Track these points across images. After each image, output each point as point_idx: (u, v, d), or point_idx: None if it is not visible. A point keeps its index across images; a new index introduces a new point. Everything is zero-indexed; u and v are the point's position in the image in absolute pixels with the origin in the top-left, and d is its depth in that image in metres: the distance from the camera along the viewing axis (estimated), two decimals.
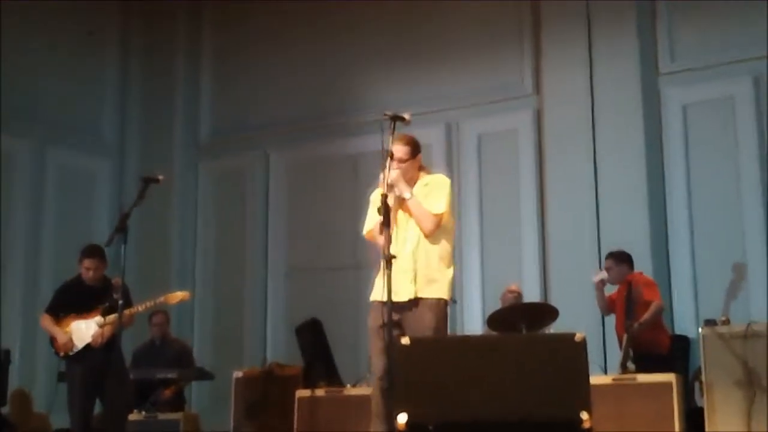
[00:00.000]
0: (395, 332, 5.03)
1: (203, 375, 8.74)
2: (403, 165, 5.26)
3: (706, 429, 5.93)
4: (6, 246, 9.82)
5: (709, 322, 6.30)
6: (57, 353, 6.87)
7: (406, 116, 5.09)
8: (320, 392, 7.26)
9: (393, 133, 5.07)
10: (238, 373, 7.95)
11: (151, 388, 8.30)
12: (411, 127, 5.20)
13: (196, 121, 11.28)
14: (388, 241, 4.81)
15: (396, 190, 5.18)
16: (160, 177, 6.07)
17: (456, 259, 9.31)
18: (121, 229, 5.85)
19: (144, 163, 10.54)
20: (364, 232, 5.39)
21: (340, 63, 10.40)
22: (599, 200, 8.76)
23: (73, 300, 6.91)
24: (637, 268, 7.55)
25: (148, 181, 6.00)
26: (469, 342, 5.12)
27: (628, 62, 8.89)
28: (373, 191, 5.37)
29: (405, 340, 4.55)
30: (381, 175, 5.09)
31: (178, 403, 8.51)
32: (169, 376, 8.36)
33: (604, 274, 7.44)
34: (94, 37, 10.92)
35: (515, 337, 6.10)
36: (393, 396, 4.80)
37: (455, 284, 8.86)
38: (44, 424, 8.52)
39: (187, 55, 11.34)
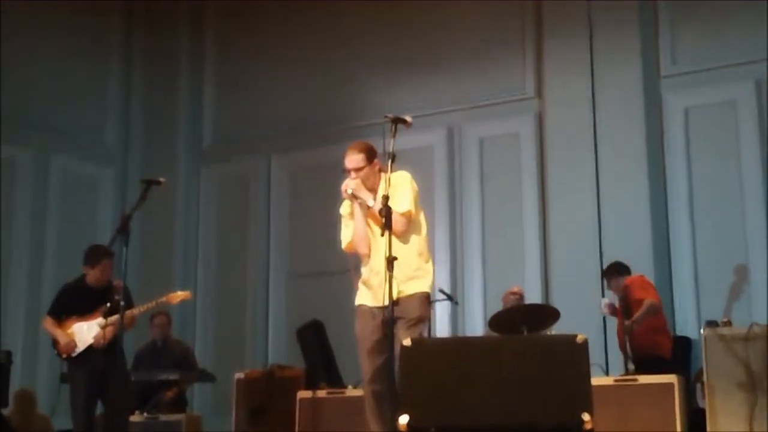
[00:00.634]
0: (380, 336, 5.09)
1: (205, 377, 8.74)
2: (361, 173, 5.28)
3: (708, 430, 5.93)
4: (10, 251, 9.84)
5: (711, 324, 6.31)
6: (59, 355, 6.87)
7: (408, 119, 5.12)
8: (322, 393, 7.26)
9: (395, 136, 5.09)
10: (239, 375, 7.96)
11: (152, 389, 8.30)
12: (413, 130, 5.22)
13: (199, 126, 11.29)
14: (389, 243, 4.82)
15: (358, 199, 5.24)
16: (162, 179, 6.09)
17: (457, 260, 9.41)
18: (123, 230, 5.86)
19: (147, 169, 10.54)
20: (344, 246, 5.43)
21: (342, 67, 10.42)
22: (601, 203, 8.77)
23: (74, 302, 6.92)
24: (639, 271, 7.56)
25: (149, 183, 6.01)
26: (470, 343, 5.12)
27: (630, 66, 8.91)
28: (342, 205, 5.43)
29: (406, 342, 4.55)
30: (342, 187, 5.22)
31: (179, 404, 8.51)
32: (171, 377, 8.36)
33: (606, 300, 7.40)
34: (97, 45, 10.94)
35: (517, 338, 6.09)
36: (386, 398, 4.86)
37: (457, 284, 8.94)
38: (47, 426, 8.52)
39: (189, 62, 11.36)
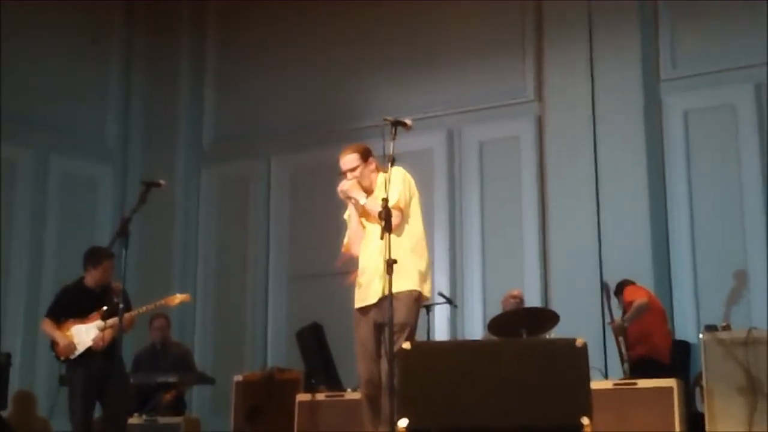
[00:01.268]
0: (373, 331, 5.15)
1: (204, 379, 8.73)
2: (356, 173, 5.32)
3: None
4: (9, 251, 9.84)
5: (710, 328, 6.31)
6: (58, 357, 6.86)
7: (408, 122, 5.13)
8: (321, 396, 7.26)
9: (394, 139, 5.09)
10: (238, 378, 7.96)
11: (151, 392, 8.30)
12: (412, 133, 5.22)
13: (199, 127, 11.29)
14: (388, 245, 4.82)
15: (353, 199, 5.29)
16: (162, 181, 6.08)
17: (457, 263, 9.40)
18: (122, 233, 5.85)
19: (147, 169, 10.54)
20: (343, 249, 5.49)
21: (343, 69, 10.42)
22: (600, 207, 8.77)
23: (73, 304, 6.91)
24: (638, 275, 7.58)
25: (149, 186, 6.01)
26: (469, 347, 5.12)
27: (630, 69, 8.91)
28: (345, 210, 5.49)
29: (406, 345, 4.55)
30: (338, 189, 5.28)
31: (178, 407, 8.50)
32: (170, 380, 8.35)
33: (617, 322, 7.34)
34: (97, 45, 10.93)
35: (516, 342, 6.09)
36: (379, 402, 4.87)
37: (457, 288, 8.92)
38: (46, 428, 8.51)
39: (190, 62, 11.36)
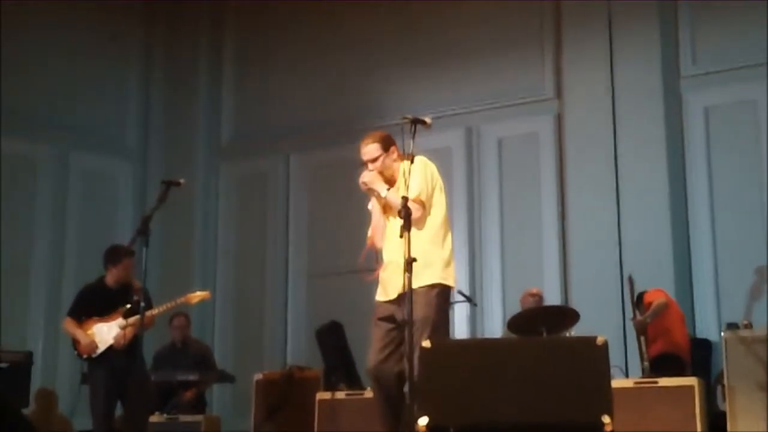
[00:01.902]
0: (390, 326, 5.12)
1: (224, 377, 8.76)
2: (378, 163, 5.23)
3: None
4: (30, 249, 9.90)
5: (731, 326, 6.28)
6: (79, 355, 6.91)
7: (427, 120, 5.08)
8: (340, 395, 7.26)
9: (414, 137, 5.06)
10: (258, 376, 7.97)
11: (172, 390, 8.33)
12: (432, 131, 5.19)
13: (218, 124, 11.32)
14: (408, 244, 4.77)
15: (374, 191, 5.21)
16: (181, 180, 6.10)
17: (476, 261, 9.38)
18: (143, 231, 5.87)
19: (166, 167, 10.59)
20: (368, 241, 5.40)
21: (362, 67, 10.42)
22: (620, 204, 8.73)
23: (94, 303, 6.95)
24: (659, 272, 7.56)
25: (169, 185, 6.03)
26: (489, 345, 5.11)
27: (650, 66, 8.86)
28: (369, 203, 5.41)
29: (426, 343, 4.54)
30: (360, 180, 5.20)
31: (199, 405, 8.54)
32: (190, 378, 8.38)
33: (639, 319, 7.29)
34: (116, 43, 10.98)
35: (536, 340, 6.07)
36: (389, 399, 4.86)
37: (476, 286, 8.90)
38: (67, 427, 8.56)
39: (209, 60, 11.38)
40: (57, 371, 9.51)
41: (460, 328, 9.00)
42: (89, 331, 6.85)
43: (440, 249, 5.16)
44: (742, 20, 8.65)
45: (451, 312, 7.81)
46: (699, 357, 7.38)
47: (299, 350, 9.99)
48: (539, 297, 7.94)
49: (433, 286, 5.07)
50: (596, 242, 8.76)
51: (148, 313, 6.47)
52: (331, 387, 7.46)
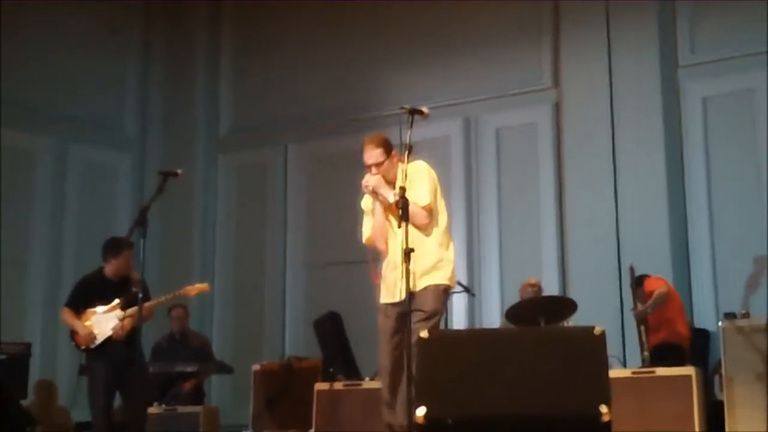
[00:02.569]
0: (396, 332, 5.12)
1: (223, 368, 8.78)
2: (381, 167, 5.27)
3: (726, 423, 5.91)
4: (29, 240, 9.91)
5: (729, 316, 6.28)
6: (78, 346, 6.90)
7: (425, 110, 5.09)
8: (339, 385, 7.27)
9: (412, 127, 5.06)
10: (257, 367, 7.98)
11: (170, 381, 8.34)
12: (430, 121, 5.18)
13: (216, 116, 11.32)
14: (407, 234, 4.79)
15: (380, 196, 5.22)
16: (179, 171, 6.09)
17: (474, 252, 9.38)
18: (141, 222, 5.86)
19: (165, 158, 10.59)
20: (364, 240, 5.43)
21: (360, 58, 10.40)
22: (618, 193, 8.73)
23: (93, 294, 6.94)
24: (656, 262, 7.56)
25: (166, 175, 6.02)
26: (487, 335, 5.11)
27: (648, 55, 8.85)
28: (362, 199, 5.45)
29: (424, 334, 4.54)
30: (364, 183, 5.22)
31: (197, 396, 8.55)
32: (189, 369, 8.40)
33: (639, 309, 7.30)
34: (116, 36, 10.96)
35: (534, 330, 6.08)
36: (401, 392, 4.87)
37: (474, 276, 8.90)
38: (65, 419, 8.57)
39: (207, 51, 11.38)
40: (56, 362, 9.52)
41: (458, 318, 9.01)
42: (87, 322, 6.84)
43: (447, 251, 5.25)
44: (740, 10, 8.64)
45: (449, 302, 7.86)
46: (697, 346, 7.39)
47: (298, 341, 10.00)
48: (537, 287, 7.94)
49: (441, 285, 5.19)
50: (594, 232, 8.76)
51: (147, 305, 6.47)
52: (330, 377, 7.47)
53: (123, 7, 11.03)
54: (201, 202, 11.04)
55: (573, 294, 8.16)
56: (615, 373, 5.85)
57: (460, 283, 8.01)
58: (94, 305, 6.87)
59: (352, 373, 7.71)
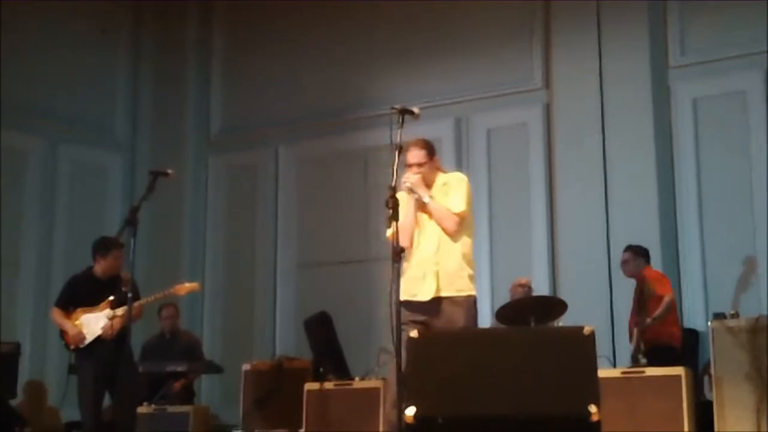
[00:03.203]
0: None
1: (213, 368, 8.77)
2: (423, 168, 5.37)
3: (716, 423, 5.93)
4: (19, 241, 9.87)
5: (719, 316, 6.29)
6: (67, 346, 6.90)
7: (415, 110, 5.14)
8: (329, 385, 7.27)
9: (402, 127, 5.09)
10: (247, 366, 7.98)
11: (160, 381, 8.33)
12: (420, 121, 5.20)
13: (207, 116, 11.30)
14: (397, 233, 4.84)
15: (416, 194, 5.32)
16: (170, 171, 6.09)
17: None
18: (131, 222, 5.86)
19: (155, 159, 10.56)
20: (388, 234, 5.42)
21: (350, 58, 10.40)
22: (609, 194, 8.74)
23: (82, 293, 6.94)
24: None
25: (157, 175, 6.02)
26: (478, 335, 5.11)
27: (639, 56, 8.87)
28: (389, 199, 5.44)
29: (413, 333, 4.55)
30: (402, 179, 5.26)
31: (187, 396, 8.54)
32: (179, 369, 8.39)
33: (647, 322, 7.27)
34: (106, 36, 10.94)
35: (524, 330, 6.09)
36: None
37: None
38: (55, 419, 8.55)
39: (198, 52, 11.36)
40: (45, 362, 9.48)
41: None
42: (77, 322, 6.83)
43: (470, 264, 5.36)
44: (731, 11, 8.66)
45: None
46: (687, 347, 7.40)
47: (288, 341, 10.00)
48: (528, 287, 7.95)
49: (470, 297, 5.29)
50: (585, 232, 8.78)
51: (137, 304, 6.47)
52: (320, 377, 7.46)
53: (113, 7, 11.01)
54: (191, 202, 11.03)
55: (563, 294, 8.17)
56: (604, 372, 5.86)
57: None
58: (83, 304, 6.86)
59: (343, 373, 7.70)
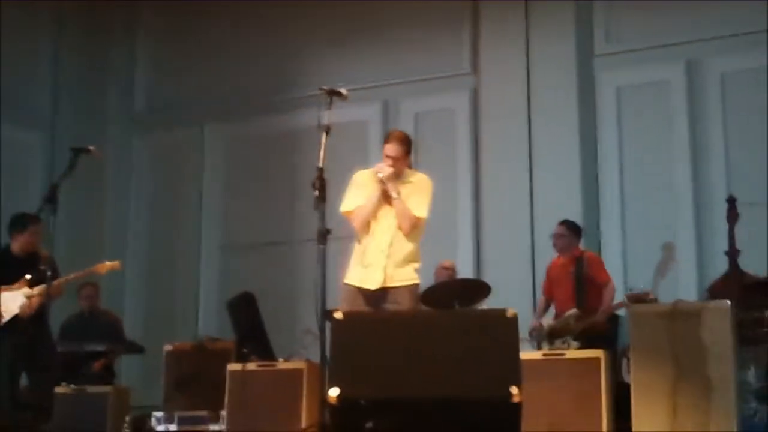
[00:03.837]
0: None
1: (133, 348, 8.66)
2: (397, 163, 5.57)
3: (633, 404, 6.04)
4: None
5: (633, 297, 6.42)
6: None
7: (343, 91, 5.20)
8: (252, 366, 7.22)
9: (330, 109, 5.10)
10: (168, 347, 7.89)
11: (79, 361, 8.19)
12: (348, 104, 5.24)
13: (131, 94, 11.12)
14: (323, 217, 4.98)
15: (387, 187, 5.53)
16: (91, 147, 6.01)
17: None
18: (51, 199, 5.76)
19: (78, 136, 10.26)
20: (342, 209, 5.65)
21: (278, 39, 10.32)
22: (533, 179, 8.85)
23: None
24: None
25: (78, 152, 5.92)
26: (402, 318, 5.13)
27: (565, 43, 8.98)
28: (356, 170, 5.73)
29: (338, 314, 4.55)
30: (376, 168, 5.54)
31: (107, 376, 8.42)
32: (99, 348, 8.27)
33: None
34: (27, 9, 10.64)
35: (447, 313, 6.13)
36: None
37: None
38: None
39: (123, 27, 11.16)
40: None
41: None
42: None
43: (416, 263, 5.68)
44: (656, 1, 8.79)
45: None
46: (606, 330, 7.52)
47: (211, 321, 9.92)
48: (452, 270, 7.99)
49: (414, 285, 5.64)
50: (509, 217, 8.87)
51: (55, 282, 6.35)
52: (243, 358, 7.41)
53: None
54: (114, 180, 10.86)
55: (487, 277, 8.24)
56: (526, 355, 5.92)
57: None
58: (0, 283, 6.71)
59: (266, 354, 7.66)
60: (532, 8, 9.12)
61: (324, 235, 4.89)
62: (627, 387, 6.16)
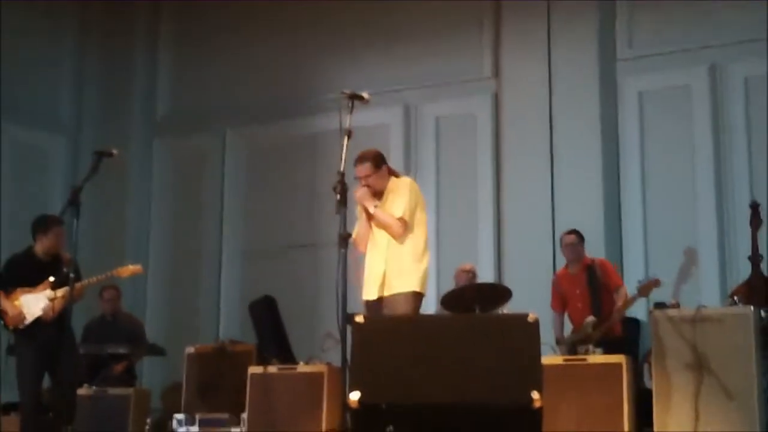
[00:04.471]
0: None
1: (154, 351, 8.70)
2: (370, 179, 5.63)
3: (654, 410, 6.02)
4: None
5: (659, 305, 6.38)
6: (6, 327, 6.79)
7: (365, 95, 5.21)
8: (273, 369, 7.24)
9: (351, 113, 5.12)
10: (190, 350, 7.92)
11: (101, 363, 8.24)
12: (370, 108, 5.25)
13: (154, 99, 11.17)
14: (344, 221, 5.01)
15: (364, 206, 5.66)
16: (114, 150, 6.03)
17: None
18: (73, 202, 5.79)
19: (100, 140, 10.35)
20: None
21: (300, 45, 10.34)
22: (554, 183, 8.82)
23: (22, 274, 6.82)
24: (590, 252, 7.61)
25: (101, 155, 5.96)
26: (423, 322, 5.13)
27: (587, 47, 8.94)
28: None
29: (359, 318, 4.56)
30: (354, 192, 5.56)
31: (128, 378, 8.46)
32: (120, 351, 8.31)
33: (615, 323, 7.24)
34: (52, 15, 10.71)
35: (468, 317, 6.12)
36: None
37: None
38: None
39: (146, 33, 11.22)
40: None
41: None
42: (17, 302, 6.72)
43: (419, 263, 5.69)
44: (679, 5, 8.76)
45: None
46: (628, 335, 7.49)
47: (232, 324, 9.95)
48: (472, 274, 7.98)
49: (410, 292, 5.61)
50: (530, 221, 8.85)
51: (78, 285, 6.38)
52: (264, 361, 7.44)
53: None
54: (136, 184, 10.92)
55: (508, 282, 8.23)
56: (547, 359, 5.92)
57: None
58: (23, 285, 6.75)
59: (287, 357, 7.68)
60: (554, 13, 9.10)
61: (345, 239, 4.92)
62: (649, 392, 6.15)
